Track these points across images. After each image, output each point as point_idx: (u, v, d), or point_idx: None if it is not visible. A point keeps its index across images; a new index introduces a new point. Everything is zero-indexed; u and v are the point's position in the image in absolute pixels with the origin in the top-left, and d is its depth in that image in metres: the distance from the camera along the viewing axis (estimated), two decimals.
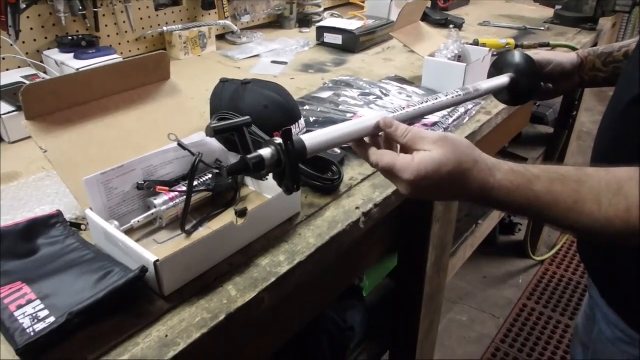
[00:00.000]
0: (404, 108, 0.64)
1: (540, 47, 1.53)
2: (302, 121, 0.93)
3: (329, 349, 0.99)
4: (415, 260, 1.15)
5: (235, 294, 0.64)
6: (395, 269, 1.24)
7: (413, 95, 1.17)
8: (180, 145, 0.75)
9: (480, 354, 1.89)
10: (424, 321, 1.24)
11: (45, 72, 1.26)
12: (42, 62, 1.29)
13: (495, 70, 0.90)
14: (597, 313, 0.88)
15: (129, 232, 0.73)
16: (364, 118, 0.61)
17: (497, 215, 1.80)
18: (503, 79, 0.84)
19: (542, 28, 1.79)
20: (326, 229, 0.76)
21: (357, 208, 0.81)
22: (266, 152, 0.53)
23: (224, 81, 0.95)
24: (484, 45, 1.48)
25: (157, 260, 0.60)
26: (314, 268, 0.72)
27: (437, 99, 0.68)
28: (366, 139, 0.62)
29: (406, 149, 0.58)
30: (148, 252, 0.61)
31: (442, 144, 0.55)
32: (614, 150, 0.76)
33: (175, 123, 0.87)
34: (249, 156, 0.51)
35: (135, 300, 0.61)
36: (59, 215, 0.73)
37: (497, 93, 0.87)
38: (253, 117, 0.85)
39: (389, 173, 0.57)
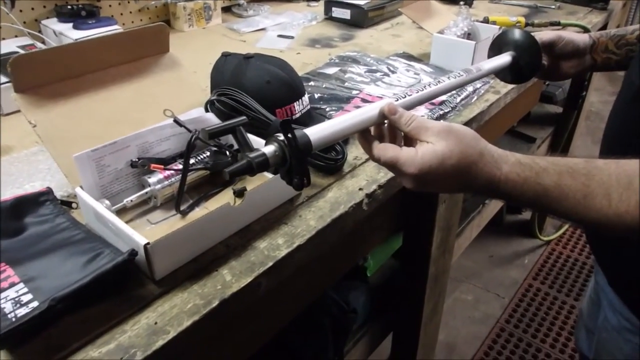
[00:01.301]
0: (408, 94, 0.61)
1: (550, 26, 1.48)
2: (305, 97, 0.89)
3: (330, 331, 0.97)
4: (420, 241, 1.12)
5: (231, 278, 0.61)
6: (400, 249, 1.21)
7: (421, 73, 1.12)
8: (177, 121, 0.72)
9: (484, 334, 1.88)
10: (428, 303, 1.22)
11: (43, 42, 1.23)
12: (40, 31, 1.26)
13: (494, 49, 0.87)
14: (603, 299, 0.86)
15: (121, 211, 0.70)
16: (369, 106, 0.57)
17: None
18: (505, 58, 0.81)
19: (553, 7, 1.73)
20: (328, 210, 0.73)
21: (360, 189, 0.78)
22: (269, 149, 0.49)
23: (226, 55, 0.91)
24: (494, 22, 1.43)
25: (148, 243, 0.57)
26: (315, 251, 0.70)
27: (439, 81, 0.64)
28: (371, 129, 0.59)
29: (410, 138, 0.56)
30: (138, 234, 0.59)
31: (446, 135, 0.53)
32: (625, 137, 0.73)
33: (174, 97, 0.84)
34: (251, 155, 0.48)
35: (126, 284, 0.59)
36: (49, 192, 0.70)
37: (499, 72, 0.84)
38: (255, 93, 0.82)
39: (392, 167, 0.55)
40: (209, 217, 0.63)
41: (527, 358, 1.78)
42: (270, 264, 0.63)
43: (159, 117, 0.75)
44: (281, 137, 0.50)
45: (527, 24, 1.50)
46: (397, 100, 0.59)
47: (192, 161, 0.76)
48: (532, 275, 2.15)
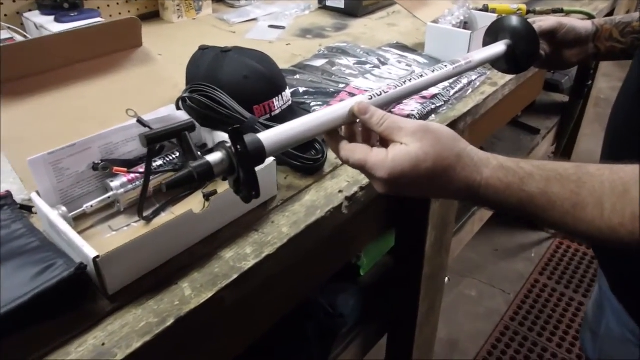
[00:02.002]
0: (384, 91, 0.55)
1: (553, 13, 1.41)
2: (287, 92, 0.84)
3: (314, 337, 0.93)
4: (413, 240, 1.07)
5: (190, 293, 0.57)
6: (394, 247, 1.17)
7: (413, 64, 1.06)
8: (140, 121, 0.68)
9: (488, 331, 1.83)
10: (424, 302, 1.17)
11: (25, 36, 1.19)
12: (22, 24, 1.22)
13: (490, 37, 0.81)
14: (607, 306, 0.81)
15: (81, 217, 0.66)
16: (338, 105, 0.53)
17: None
18: (499, 47, 0.75)
19: None
20: (303, 215, 0.68)
21: (340, 191, 0.73)
22: (214, 157, 0.45)
23: (203, 48, 0.86)
24: (493, 10, 1.37)
25: (97, 257, 0.53)
26: (287, 259, 0.65)
27: (422, 75, 0.59)
28: (342, 128, 0.55)
29: (383, 139, 0.51)
30: (88, 246, 0.55)
31: (420, 135, 0.48)
32: (629, 131, 0.67)
33: (145, 94, 0.79)
34: (193, 164, 0.44)
35: (80, 299, 0.55)
36: (7, 196, 0.66)
37: (494, 62, 0.78)
38: (231, 88, 0.78)
39: (362, 170, 0.50)
40: (169, 225, 0.59)
41: (532, 358, 1.73)
42: (235, 276, 0.59)
43: (127, 115, 0.71)
44: (230, 143, 0.45)
45: (528, 12, 1.43)
46: (371, 98, 0.54)
47: (159, 163, 0.72)
48: (539, 269, 2.08)
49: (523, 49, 0.79)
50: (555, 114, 2.06)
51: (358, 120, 0.54)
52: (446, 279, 1.86)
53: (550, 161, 0.48)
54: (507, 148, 1.76)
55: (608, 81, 3.03)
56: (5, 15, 1.18)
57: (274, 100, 0.80)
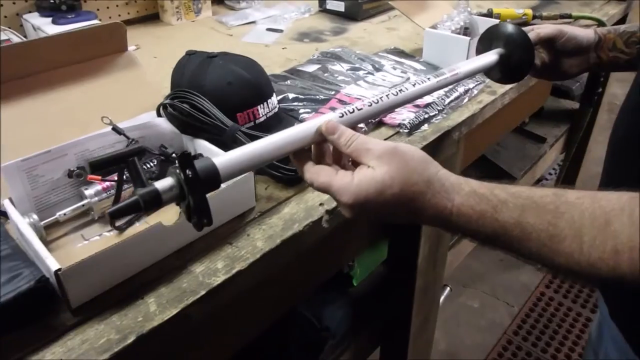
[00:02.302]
0: (357, 109, 0.52)
1: (561, 18, 1.37)
2: (273, 99, 0.82)
3: (297, 351, 0.91)
4: (406, 252, 1.04)
5: (155, 309, 0.55)
6: (387, 258, 1.14)
7: (409, 71, 1.04)
8: (115, 129, 0.66)
9: (490, 345, 1.78)
10: (417, 316, 1.14)
11: (26, 38, 1.18)
12: (22, 26, 1.22)
13: (483, 45, 0.78)
14: (605, 331, 0.77)
15: (54, 225, 0.65)
16: (305, 124, 0.50)
17: None
18: (490, 57, 0.72)
19: None
20: (280, 229, 0.66)
21: (321, 204, 0.71)
22: (164, 184, 0.42)
23: (190, 53, 0.85)
24: (498, 15, 1.33)
25: (59, 269, 0.52)
26: (261, 275, 0.63)
27: (400, 90, 0.56)
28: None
29: (353, 161, 0.49)
30: (51, 258, 0.53)
31: (388, 159, 0.45)
32: (629, 149, 0.63)
33: (128, 100, 0.78)
34: (140, 191, 0.42)
35: (37, 312, 0.54)
36: None
37: (487, 71, 0.75)
38: (215, 95, 0.76)
39: (327, 193, 0.48)
40: (136, 238, 0.57)
41: None
42: (202, 293, 0.57)
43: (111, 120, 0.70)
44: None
45: (534, 17, 1.40)
46: (342, 116, 0.52)
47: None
48: (545, 282, 2.03)
49: (517, 58, 0.76)
50: (564, 122, 2.01)
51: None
52: (447, 288, 1.82)
53: (528, 187, 0.45)
54: (511, 156, 1.72)
55: (623, 87, 2.95)
56: (5, 16, 1.18)
57: (259, 107, 0.78)
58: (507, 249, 0.45)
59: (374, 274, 1.23)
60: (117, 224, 0.65)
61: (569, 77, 0.88)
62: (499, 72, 0.78)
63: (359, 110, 0.52)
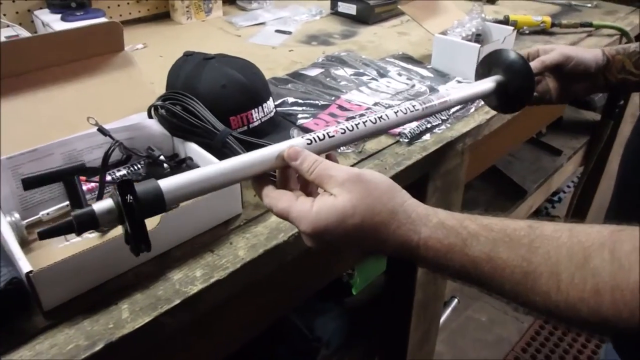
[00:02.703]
0: (330, 135, 0.50)
1: (580, 27, 1.33)
2: (269, 104, 0.81)
3: None
4: (405, 263, 1.01)
5: (127, 316, 0.53)
6: (387, 269, 1.11)
7: (415, 78, 1.01)
8: (101, 130, 0.65)
9: None
10: (416, 331, 1.11)
11: (36, 34, 1.19)
12: (33, 22, 1.22)
13: (483, 70, 0.75)
14: None
15: (37, 225, 0.64)
16: (268, 149, 0.48)
17: (524, 210, 1.62)
18: (486, 85, 0.69)
19: (589, 4, 1.55)
20: (264, 239, 0.64)
21: None
22: (102, 205, 0.41)
23: (187, 54, 0.83)
24: (514, 22, 1.30)
25: (30, 272, 0.51)
26: (240, 285, 0.61)
27: (381, 117, 0.53)
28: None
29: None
30: (24, 260, 0.52)
31: (350, 186, 0.43)
32: (635, 175, 0.60)
33: (120, 100, 0.77)
34: (75, 212, 0.40)
35: (9, 314, 0.53)
36: None
37: (484, 97, 0.72)
38: (208, 98, 0.74)
39: (287, 220, 0.46)
40: (111, 243, 0.56)
41: None
42: (177, 301, 0.55)
43: (100, 120, 0.68)
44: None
45: (553, 24, 1.35)
46: (310, 142, 0.49)
47: (123, 172, 0.69)
48: None
49: (515, 88, 0.72)
50: (584, 134, 1.94)
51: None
52: (455, 300, 1.78)
53: (502, 219, 0.42)
54: (525, 168, 1.67)
55: None
56: (17, 12, 1.19)
57: (253, 111, 0.77)
58: (479, 286, 0.42)
59: (374, 284, 1.21)
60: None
61: (576, 100, 0.85)
62: (496, 100, 0.75)
63: (330, 137, 0.49)
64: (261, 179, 0.49)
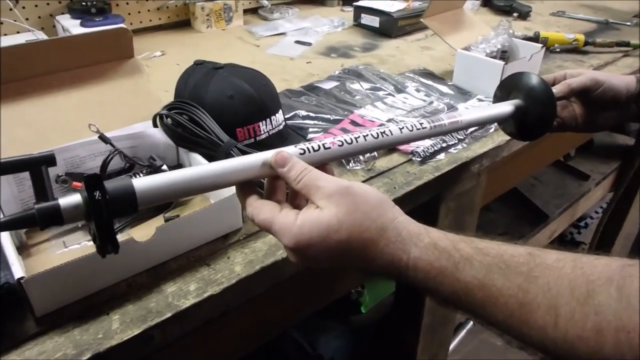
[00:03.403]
0: (326, 147, 0.48)
1: (616, 46, 1.27)
2: (278, 116, 0.79)
3: None
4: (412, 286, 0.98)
5: (117, 327, 0.53)
6: (396, 290, 1.08)
7: (434, 94, 0.98)
8: (102, 137, 0.65)
9: None
10: (422, 355, 1.07)
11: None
12: (54, 27, 1.24)
13: (502, 93, 0.72)
14: None
15: (37, 229, 0.64)
16: (254, 156, 0.46)
17: (546, 235, 1.57)
18: (503, 108, 0.66)
19: (629, 23, 1.49)
20: (262, 255, 0.62)
21: None
22: (68, 200, 0.39)
23: (197, 63, 0.83)
24: (545, 39, 1.25)
25: (21, 278, 0.50)
26: (234, 301, 0.60)
27: (383, 132, 0.51)
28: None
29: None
30: (17, 265, 0.52)
31: (338, 199, 0.41)
32: None
33: (126, 107, 0.77)
34: (38, 205, 0.39)
35: (5, 318, 0.52)
36: None
37: (500, 122, 0.69)
38: (214, 108, 0.73)
39: (269, 232, 0.44)
40: None
41: None
42: (168, 315, 0.54)
43: (104, 127, 0.68)
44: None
45: (586, 43, 1.30)
46: (304, 152, 0.47)
47: None
48: None
49: (535, 115, 0.69)
50: (615, 158, 1.87)
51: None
52: (470, 323, 1.74)
53: (500, 244, 0.39)
54: (548, 192, 1.62)
55: None
56: (39, 17, 1.21)
57: (260, 123, 0.76)
58: (470, 314, 0.39)
59: (384, 303, 1.18)
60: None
61: (601, 130, 0.81)
62: (513, 126, 0.72)
63: (326, 148, 0.47)
64: (246, 187, 0.47)
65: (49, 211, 0.39)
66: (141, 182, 0.41)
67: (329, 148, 0.48)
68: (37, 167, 0.43)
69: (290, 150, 0.47)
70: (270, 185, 0.47)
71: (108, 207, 0.39)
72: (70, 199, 0.39)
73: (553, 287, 0.35)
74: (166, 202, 0.44)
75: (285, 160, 0.44)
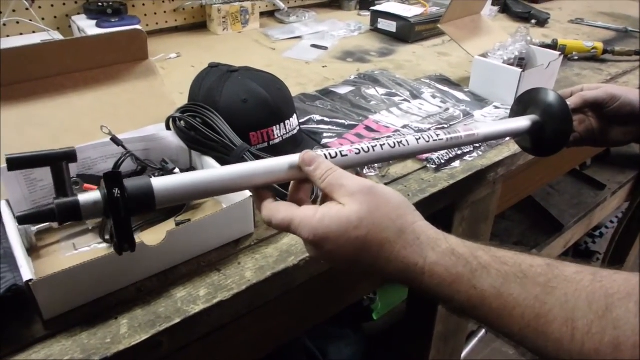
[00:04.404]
0: (343, 154, 0.48)
1: (635, 55, 1.25)
2: (293, 121, 0.78)
3: None
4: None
5: (126, 331, 0.52)
6: (408, 297, 1.07)
7: (450, 101, 0.97)
8: (114, 139, 0.64)
9: None
10: None
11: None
12: (70, 27, 1.25)
13: (518, 108, 0.71)
14: None
15: (48, 231, 0.64)
16: (276, 159, 0.46)
17: (561, 244, 1.54)
18: (520, 123, 0.65)
19: None
20: (273, 261, 0.62)
21: None
22: (88, 197, 0.39)
23: (212, 66, 0.82)
24: (563, 47, 1.23)
25: (30, 280, 0.50)
26: (244, 308, 0.59)
27: (400, 142, 0.50)
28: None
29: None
30: (25, 267, 0.51)
31: (360, 197, 0.41)
32: None
33: (139, 109, 0.76)
34: (58, 200, 0.39)
35: (8, 320, 0.52)
36: None
37: (516, 136, 0.68)
38: (228, 112, 0.73)
39: (289, 231, 0.44)
40: (114, 255, 0.54)
41: None
42: (177, 320, 0.53)
43: (116, 129, 0.68)
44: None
45: (605, 51, 1.28)
46: (333, 157, 0.47)
47: None
48: None
49: (552, 130, 0.68)
50: (632, 168, 1.84)
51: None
52: (482, 331, 1.71)
53: (518, 253, 0.38)
54: (564, 201, 1.59)
55: None
56: (55, 17, 1.22)
57: (274, 128, 0.75)
58: (485, 323, 0.38)
59: (396, 310, 1.16)
60: (107, 236, 0.63)
61: (618, 145, 0.79)
62: (530, 142, 0.71)
63: (343, 156, 0.47)
64: (263, 191, 0.47)
65: (68, 207, 0.39)
66: (160, 182, 0.41)
67: (346, 155, 0.48)
68: (58, 162, 0.43)
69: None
70: (294, 188, 0.47)
71: (127, 205, 0.39)
72: (90, 196, 0.39)
73: (571, 299, 0.34)
74: (184, 202, 0.43)
75: (313, 160, 0.45)
